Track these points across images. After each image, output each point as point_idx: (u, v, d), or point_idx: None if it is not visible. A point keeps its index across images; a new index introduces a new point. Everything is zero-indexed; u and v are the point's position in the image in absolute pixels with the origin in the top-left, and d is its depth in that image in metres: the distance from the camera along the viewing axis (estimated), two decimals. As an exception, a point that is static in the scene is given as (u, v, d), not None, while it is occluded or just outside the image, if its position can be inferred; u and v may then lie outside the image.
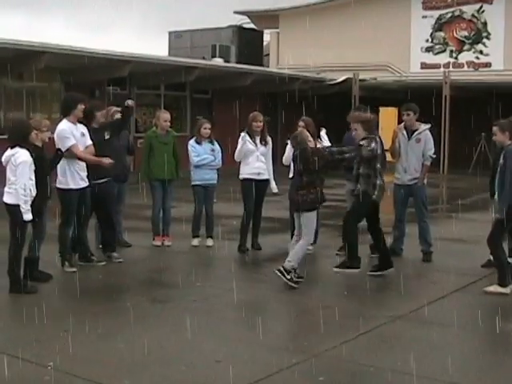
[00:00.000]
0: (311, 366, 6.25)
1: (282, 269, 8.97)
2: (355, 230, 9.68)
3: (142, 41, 61.18)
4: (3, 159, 8.51)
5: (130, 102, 10.42)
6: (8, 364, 6.19)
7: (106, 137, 10.14)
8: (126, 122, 10.93)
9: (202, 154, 11.47)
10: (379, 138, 9.82)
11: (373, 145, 9.50)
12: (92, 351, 6.50)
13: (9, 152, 8.45)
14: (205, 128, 11.57)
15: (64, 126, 9.61)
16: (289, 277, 8.90)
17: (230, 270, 10.35)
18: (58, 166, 9.51)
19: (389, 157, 11.23)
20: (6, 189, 8.44)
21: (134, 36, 61.49)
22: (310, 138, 9.64)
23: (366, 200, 9.56)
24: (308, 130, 11.01)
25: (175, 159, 11.56)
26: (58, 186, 9.62)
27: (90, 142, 9.80)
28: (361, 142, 9.55)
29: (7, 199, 8.43)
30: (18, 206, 8.33)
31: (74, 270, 9.67)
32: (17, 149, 8.40)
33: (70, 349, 6.57)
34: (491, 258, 10.18)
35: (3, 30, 60.96)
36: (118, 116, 10.76)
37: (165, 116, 11.71)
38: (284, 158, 11.12)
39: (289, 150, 10.86)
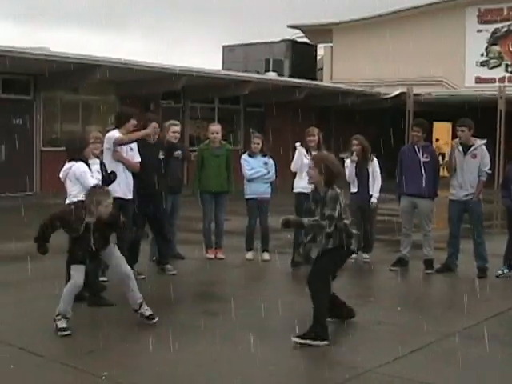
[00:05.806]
0: (364, 382, 6.22)
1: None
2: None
3: (203, 55, 62.07)
4: (61, 174, 8.62)
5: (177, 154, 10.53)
6: (63, 373, 6.29)
7: (161, 157, 10.18)
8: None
9: (255, 167, 11.52)
10: None
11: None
12: (145, 362, 6.54)
13: (66, 166, 8.58)
14: (253, 143, 11.65)
15: (115, 133, 9.66)
16: None
17: (282, 283, 10.36)
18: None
19: (443, 172, 11.21)
20: (67, 202, 8.54)
21: (195, 51, 62.53)
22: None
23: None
24: (362, 148, 11.16)
25: (228, 172, 11.60)
26: None
27: (138, 159, 9.79)
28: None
29: None
30: None
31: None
32: (72, 162, 8.52)
33: (125, 359, 6.65)
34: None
35: (83, 46, 62.80)
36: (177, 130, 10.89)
37: (212, 128, 11.73)
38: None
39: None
